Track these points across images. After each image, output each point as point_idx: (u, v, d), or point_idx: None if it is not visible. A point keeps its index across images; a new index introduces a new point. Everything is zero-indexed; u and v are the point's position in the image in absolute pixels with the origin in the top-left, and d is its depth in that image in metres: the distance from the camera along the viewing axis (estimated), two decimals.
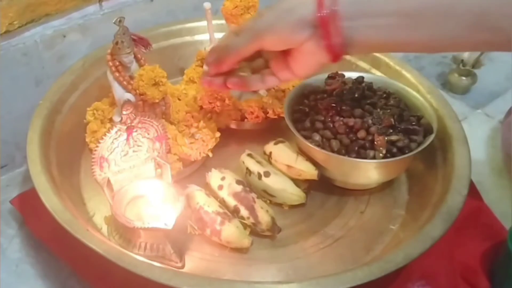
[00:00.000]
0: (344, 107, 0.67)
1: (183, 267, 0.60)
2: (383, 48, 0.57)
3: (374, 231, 0.66)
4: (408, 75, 0.77)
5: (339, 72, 0.73)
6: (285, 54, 0.58)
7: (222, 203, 0.65)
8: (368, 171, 0.66)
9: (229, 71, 0.61)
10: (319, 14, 0.52)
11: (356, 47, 0.54)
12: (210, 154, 0.71)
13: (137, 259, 0.55)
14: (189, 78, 0.78)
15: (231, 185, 0.65)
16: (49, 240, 0.64)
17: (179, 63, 0.85)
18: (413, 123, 0.66)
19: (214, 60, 0.60)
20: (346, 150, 0.64)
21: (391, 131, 0.65)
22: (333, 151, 0.64)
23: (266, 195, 0.67)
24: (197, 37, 0.85)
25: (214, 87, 0.63)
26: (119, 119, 0.67)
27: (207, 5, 0.73)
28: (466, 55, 0.92)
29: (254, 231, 0.64)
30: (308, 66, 0.58)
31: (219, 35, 0.78)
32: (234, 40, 0.58)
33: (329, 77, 0.73)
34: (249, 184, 0.67)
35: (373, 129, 0.64)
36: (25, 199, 0.69)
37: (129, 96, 0.68)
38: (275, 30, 0.55)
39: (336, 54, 0.55)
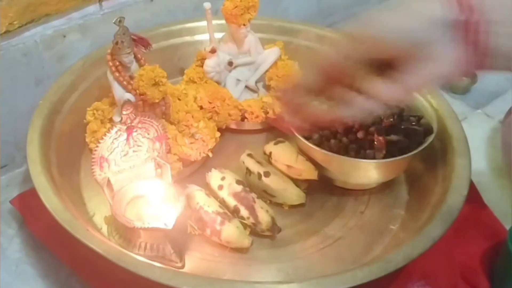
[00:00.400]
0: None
1: (183, 267, 0.60)
2: None
3: (374, 231, 0.65)
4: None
5: None
6: (388, 67, 0.47)
7: (222, 203, 0.65)
8: (368, 171, 0.66)
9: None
10: (463, 15, 0.44)
11: (500, 58, 0.44)
12: (210, 154, 0.71)
13: (137, 259, 0.55)
14: (189, 78, 0.78)
15: (231, 185, 0.65)
16: (49, 240, 0.64)
17: (179, 63, 0.85)
18: (413, 123, 0.66)
19: (317, 63, 0.48)
20: (346, 150, 0.64)
21: (391, 131, 0.65)
22: (333, 151, 0.64)
23: (266, 195, 0.67)
24: (197, 37, 0.85)
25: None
26: (119, 119, 0.67)
27: (207, 5, 0.73)
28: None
29: (254, 231, 0.63)
30: (431, 79, 0.47)
31: (219, 35, 0.78)
32: (344, 44, 0.47)
33: None
34: (249, 184, 0.67)
35: (373, 129, 0.64)
36: (25, 199, 0.69)
37: (129, 96, 0.68)
38: (400, 31, 0.45)
39: (476, 64, 0.45)
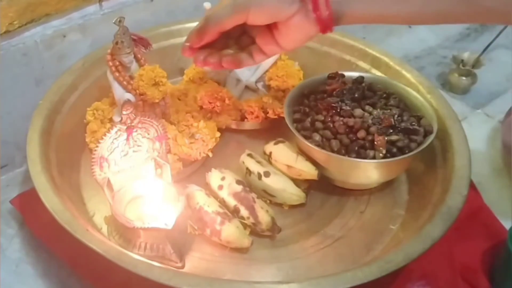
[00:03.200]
0: (344, 107, 0.67)
1: (183, 267, 0.60)
2: (372, 20, 0.57)
3: (374, 231, 0.66)
4: (408, 75, 0.77)
5: (339, 72, 0.73)
6: (271, 28, 0.57)
7: (222, 203, 0.65)
8: (368, 171, 0.66)
9: (214, 48, 0.60)
10: None
11: (346, 19, 0.55)
12: (210, 154, 0.71)
13: (137, 259, 0.55)
14: (189, 78, 0.78)
15: (231, 185, 0.65)
16: (49, 240, 0.64)
17: (179, 63, 0.85)
18: (413, 123, 0.66)
19: (196, 31, 0.58)
20: (346, 150, 0.64)
21: (391, 131, 0.65)
22: (333, 151, 0.64)
23: (266, 195, 0.67)
24: None
25: (209, 65, 0.61)
26: (119, 119, 0.67)
27: (207, 5, 0.73)
28: (466, 55, 0.93)
29: (254, 231, 0.64)
30: (296, 40, 0.58)
31: None
32: (217, 11, 0.56)
33: (329, 77, 0.73)
34: (249, 184, 0.67)
35: (373, 129, 0.64)
36: (25, 199, 0.69)
37: (129, 96, 0.68)
38: (260, 3, 0.54)
39: (325, 26, 0.55)
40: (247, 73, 0.80)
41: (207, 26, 0.57)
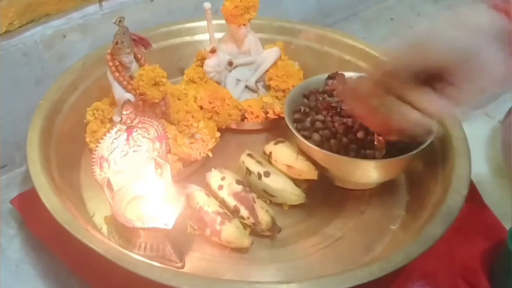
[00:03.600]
0: (344, 107, 0.67)
1: (183, 267, 0.60)
2: None
3: (374, 231, 0.66)
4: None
5: (339, 72, 0.73)
6: (439, 81, 0.47)
7: (222, 203, 0.65)
8: (368, 171, 0.66)
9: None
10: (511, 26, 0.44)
11: None
12: (210, 154, 0.71)
13: (137, 259, 0.55)
14: (189, 78, 0.78)
15: (231, 185, 0.65)
16: (49, 240, 0.64)
17: (179, 63, 0.85)
18: None
19: (373, 72, 0.50)
20: (346, 150, 0.64)
21: None
22: (332, 151, 0.64)
23: (266, 195, 0.67)
24: (197, 37, 0.85)
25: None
26: (119, 119, 0.67)
27: (207, 5, 0.73)
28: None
29: (254, 231, 0.63)
30: (476, 91, 0.47)
31: (219, 35, 0.78)
32: (397, 53, 0.48)
33: (329, 77, 0.73)
34: (249, 184, 0.67)
35: None
36: (25, 199, 0.69)
37: (129, 96, 0.68)
38: (450, 41, 0.45)
39: None
40: (247, 73, 0.80)
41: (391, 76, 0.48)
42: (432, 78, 0.47)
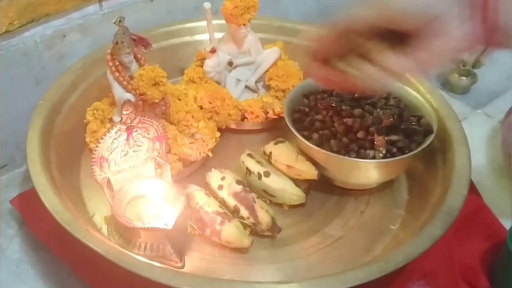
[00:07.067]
0: (344, 107, 0.67)
1: (183, 267, 0.60)
2: None
3: (374, 231, 0.66)
4: (408, 75, 0.77)
5: None
6: (401, 40, 0.48)
7: (222, 203, 0.65)
8: (368, 171, 0.66)
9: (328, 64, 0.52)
10: None
11: (510, 36, 0.45)
12: (210, 154, 0.71)
13: (137, 259, 0.55)
14: (189, 78, 0.78)
15: (231, 185, 0.65)
16: (49, 240, 0.64)
17: (179, 63, 0.85)
18: (413, 123, 0.66)
19: (329, 28, 0.49)
20: (346, 150, 0.64)
21: (391, 131, 0.65)
22: (332, 151, 0.64)
23: (266, 195, 0.67)
24: (197, 37, 0.85)
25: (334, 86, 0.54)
26: (119, 119, 0.67)
27: (207, 5, 0.73)
28: (466, 55, 0.92)
29: (254, 231, 0.64)
30: (442, 54, 0.47)
31: (219, 35, 0.78)
32: (358, 9, 0.48)
33: None
34: (249, 184, 0.67)
35: (373, 129, 0.64)
36: (25, 199, 0.69)
37: (129, 96, 0.68)
38: (413, 3, 0.46)
39: (485, 40, 0.45)
40: (247, 73, 0.80)
41: (343, 26, 0.49)
42: (395, 38, 0.48)
